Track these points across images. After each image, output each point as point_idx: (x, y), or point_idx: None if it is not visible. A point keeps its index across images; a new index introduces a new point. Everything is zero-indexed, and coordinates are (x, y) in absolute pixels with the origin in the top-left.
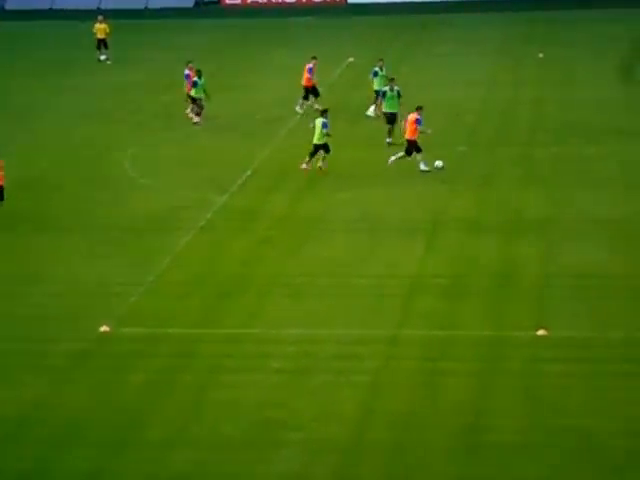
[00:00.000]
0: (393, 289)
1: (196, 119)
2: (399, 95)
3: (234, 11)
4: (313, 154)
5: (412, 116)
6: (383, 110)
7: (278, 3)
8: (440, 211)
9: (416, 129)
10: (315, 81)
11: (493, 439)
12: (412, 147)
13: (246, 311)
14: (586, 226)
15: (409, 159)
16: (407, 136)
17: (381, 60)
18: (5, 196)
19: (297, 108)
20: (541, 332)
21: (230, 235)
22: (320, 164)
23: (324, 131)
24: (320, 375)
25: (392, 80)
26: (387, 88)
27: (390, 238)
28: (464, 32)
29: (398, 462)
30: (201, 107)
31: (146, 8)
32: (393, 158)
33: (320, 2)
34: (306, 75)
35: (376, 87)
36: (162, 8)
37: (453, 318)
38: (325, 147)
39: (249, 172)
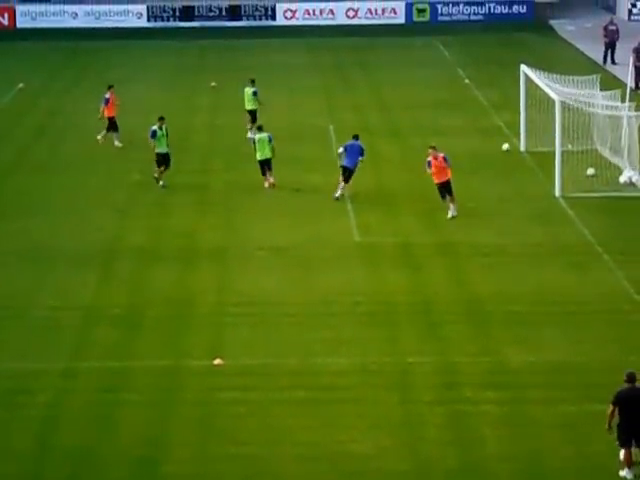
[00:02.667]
0: (67, 320)
1: (100, 139)
2: (167, 134)
3: None
4: (264, 171)
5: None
6: (156, 151)
7: None
8: (115, 239)
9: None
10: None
11: (170, 470)
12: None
13: None
14: (260, 254)
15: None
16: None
17: (253, 80)
18: None
19: (99, 138)
20: (217, 361)
21: None
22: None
23: (271, 145)
24: None
25: (162, 119)
26: (156, 127)
27: (63, 268)
28: (137, 59)
29: None
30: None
31: None
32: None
33: None
34: (103, 106)
35: (249, 107)
36: None
37: (130, 348)
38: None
39: None
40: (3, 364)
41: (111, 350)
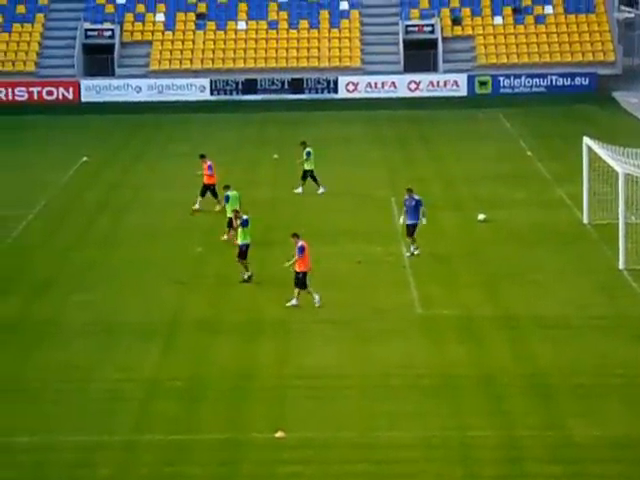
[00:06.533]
0: (129, 393)
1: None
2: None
3: None
4: (230, 224)
5: None
6: (239, 242)
7: (9, 101)
8: (177, 312)
9: None
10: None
11: None
12: None
13: None
14: (321, 327)
15: None
16: None
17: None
18: None
19: (217, 207)
20: (279, 434)
21: None
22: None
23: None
24: None
25: (238, 212)
26: (248, 216)
27: (126, 340)
28: (200, 132)
29: None
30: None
31: None
32: None
33: (52, 100)
34: (206, 172)
35: (307, 167)
36: None
37: (191, 421)
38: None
39: None
40: (65, 436)
41: (173, 423)
